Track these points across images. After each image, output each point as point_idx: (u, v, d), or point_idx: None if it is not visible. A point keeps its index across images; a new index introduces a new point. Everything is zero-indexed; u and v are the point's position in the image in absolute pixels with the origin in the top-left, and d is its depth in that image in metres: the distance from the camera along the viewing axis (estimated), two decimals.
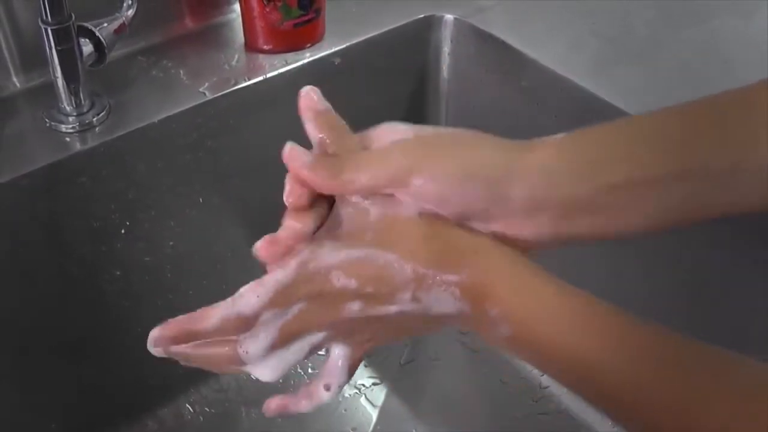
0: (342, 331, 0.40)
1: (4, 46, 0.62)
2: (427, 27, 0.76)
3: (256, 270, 0.76)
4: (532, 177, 0.39)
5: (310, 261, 0.39)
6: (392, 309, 0.39)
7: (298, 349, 0.41)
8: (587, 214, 0.39)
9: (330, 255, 0.38)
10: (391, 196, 0.40)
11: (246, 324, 0.40)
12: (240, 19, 0.71)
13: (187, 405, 0.75)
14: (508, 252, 0.39)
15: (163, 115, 0.62)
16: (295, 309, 0.39)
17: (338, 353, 0.42)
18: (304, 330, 0.40)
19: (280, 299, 0.39)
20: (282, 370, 0.42)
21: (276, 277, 0.39)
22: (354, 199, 0.40)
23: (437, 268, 0.38)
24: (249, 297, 0.39)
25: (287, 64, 0.68)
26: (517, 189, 0.39)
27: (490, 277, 0.38)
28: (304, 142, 0.77)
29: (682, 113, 0.43)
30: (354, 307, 0.39)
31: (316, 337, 0.40)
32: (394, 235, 0.39)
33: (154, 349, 0.42)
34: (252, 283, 0.40)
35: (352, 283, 0.38)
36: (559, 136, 0.42)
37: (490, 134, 0.42)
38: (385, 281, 0.38)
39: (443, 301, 0.38)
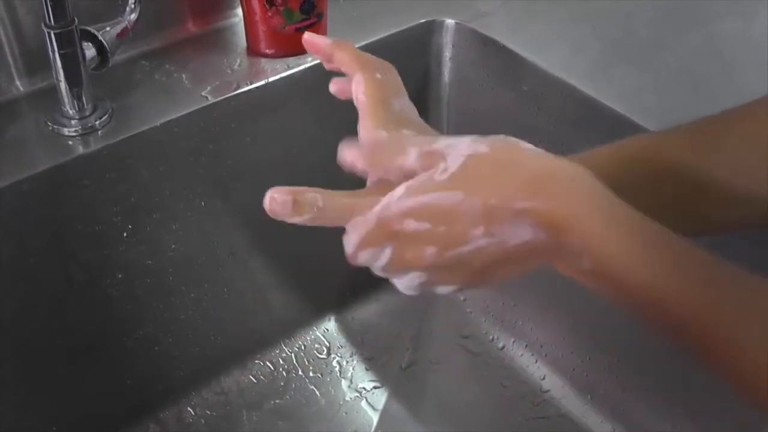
0: (435, 274, 0.41)
1: (7, 49, 0.62)
2: (429, 32, 0.76)
3: (257, 273, 0.77)
4: None
5: (383, 211, 0.40)
6: (466, 248, 0.39)
7: (406, 282, 0.42)
8: None
9: (400, 202, 0.40)
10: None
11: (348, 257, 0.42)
12: (242, 24, 0.71)
13: (189, 408, 0.75)
14: (589, 181, 0.39)
15: (165, 119, 0.63)
16: (387, 252, 0.41)
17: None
18: (400, 270, 0.41)
19: (368, 242, 0.41)
20: (406, 290, 0.43)
21: (357, 229, 0.41)
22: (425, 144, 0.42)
23: (507, 198, 0.38)
24: (345, 244, 0.42)
25: (289, 68, 0.69)
26: None
27: (570, 207, 0.38)
28: (304, 144, 0.77)
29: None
30: (430, 251, 0.40)
31: (419, 277, 0.41)
32: (465, 171, 0.40)
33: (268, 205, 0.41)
34: (345, 235, 0.42)
35: (424, 226, 0.39)
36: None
37: None
38: (455, 220, 0.39)
39: (519, 231, 0.39)
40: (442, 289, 0.43)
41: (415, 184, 0.40)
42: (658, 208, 0.41)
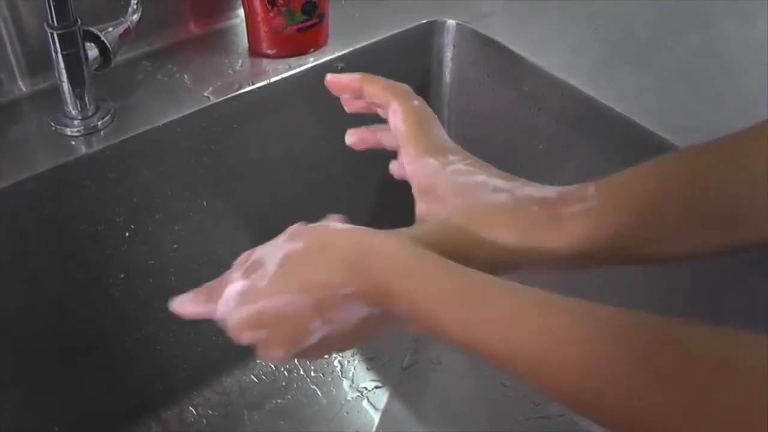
0: (300, 357, 0.44)
1: (10, 50, 0.62)
2: (430, 32, 0.76)
3: None
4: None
5: (228, 324, 0.42)
6: (310, 341, 0.40)
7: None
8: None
9: (235, 316, 0.41)
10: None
11: None
12: (244, 24, 0.71)
13: (190, 408, 0.75)
14: (396, 250, 0.40)
15: (167, 119, 0.63)
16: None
17: None
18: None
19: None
20: None
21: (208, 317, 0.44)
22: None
23: (331, 287, 0.39)
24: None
25: (291, 68, 0.69)
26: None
27: (388, 276, 0.39)
28: (306, 145, 0.78)
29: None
30: (279, 353, 0.41)
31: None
32: (284, 271, 0.41)
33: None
34: None
35: (263, 333, 0.41)
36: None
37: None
38: (290, 320, 0.40)
39: (354, 310, 0.39)
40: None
41: (243, 294, 0.41)
42: (695, 226, 0.41)
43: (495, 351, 0.37)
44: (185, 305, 0.45)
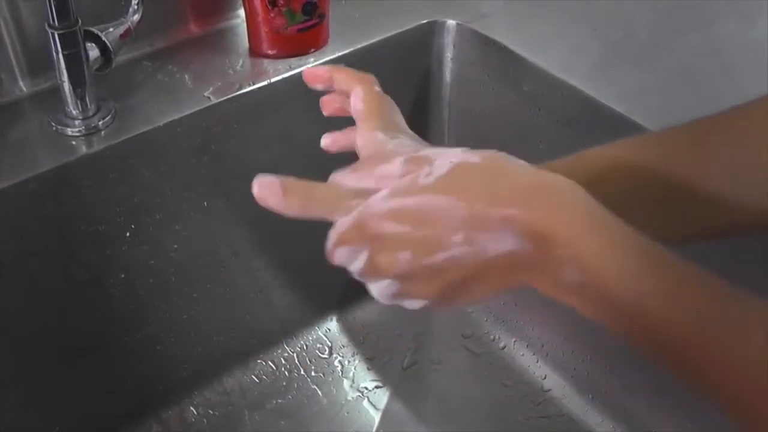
0: (407, 283, 0.40)
1: (10, 50, 0.62)
2: (430, 32, 0.76)
3: (260, 273, 0.77)
4: None
5: (363, 211, 0.39)
6: (442, 256, 0.38)
7: (382, 291, 0.41)
8: None
9: (382, 203, 0.39)
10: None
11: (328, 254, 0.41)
12: (244, 25, 0.71)
13: (191, 408, 0.75)
14: (581, 195, 0.38)
15: (168, 120, 0.63)
16: (363, 256, 0.40)
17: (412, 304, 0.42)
18: (372, 275, 0.40)
19: (345, 241, 0.40)
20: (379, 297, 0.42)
21: (337, 227, 0.40)
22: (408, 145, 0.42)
23: (494, 204, 0.37)
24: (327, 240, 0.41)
25: (291, 69, 0.69)
26: None
27: (560, 217, 0.37)
28: (306, 145, 0.77)
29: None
30: (405, 256, 0.38)
31: (390, 285, 0.40)
32: (452, 176, 0.39)
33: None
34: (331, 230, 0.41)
35: (403, 229, 0.38)
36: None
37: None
38: (435, 224, 0.38)
39: (501, 241, 0.37)
40: (412, 303, 0.41)
41: (400, 185, 0.39)
42: (648, 211, 0.40)
43: (657, 324, 0.36)
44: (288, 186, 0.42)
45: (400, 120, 0.47)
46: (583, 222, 0.37)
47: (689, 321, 0.35)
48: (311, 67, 0.51)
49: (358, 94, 0.47)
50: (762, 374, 0.33)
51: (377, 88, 0.48)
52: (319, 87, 0.50)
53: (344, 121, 0.49)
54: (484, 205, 0.37)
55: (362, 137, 0.45)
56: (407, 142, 0.44)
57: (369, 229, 0.39)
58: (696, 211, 0.45)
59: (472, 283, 0.39)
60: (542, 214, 0.37)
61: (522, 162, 0.40)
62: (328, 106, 0.51)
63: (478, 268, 0.38)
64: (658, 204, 0.45)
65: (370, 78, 0.48)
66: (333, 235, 0.40)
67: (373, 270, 0.40)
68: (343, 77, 0.49)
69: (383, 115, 0.46)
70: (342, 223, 0.40)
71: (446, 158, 0.39)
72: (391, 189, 0.39)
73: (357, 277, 0.41)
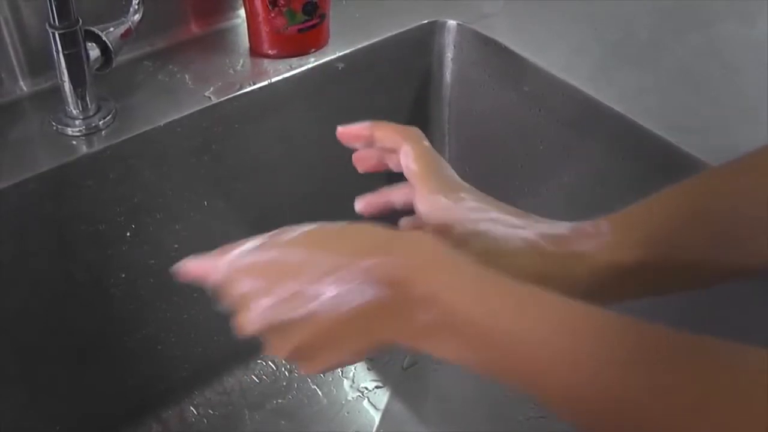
0: (270, 334, 0.41)
1: (11, 50, 0.62)
2: (431, 32, 0.76)
3: None
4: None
5: (231, 263, 0.41)
6: (301, 312, 0.38)
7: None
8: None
9: (239, 261, 0.41)
10: None
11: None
12: (245, 24, 0.71)
13: (191, 407, 0.75)
14: (433, 241, 0.39)
15: (168, 119, 0.63)
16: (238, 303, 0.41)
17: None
18: (245, 329, 0.41)
19: (221, 293, 0.42)
20: None
21: (210, 277, 0.43)
22: None
23: (354, 256, 0.38)
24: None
25: (292, 69, 0.69)
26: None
27: (415, 260, 0.38)
28: (306, 145, 0.78)
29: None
30: (267, 302, 0.39)
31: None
32: (312, 235, 0.40)
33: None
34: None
35: (260, 283, 0.39)
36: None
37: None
38: (297, 275, 0.38)
39: (362, 291, 0.37)
40: (272, 352, 0.42)
41: (263, 243, 0.41)
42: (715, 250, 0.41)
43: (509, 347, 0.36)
44: (190, 264, 0.44)
45: (451, 172, 0.47)
46: (434, 263, 0.38)
47: (537, 335, 0.35)
48: (348, 127, 0.48)
49: (409, 154, 0.46)
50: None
51: (426, 143, 0.47)
52: (357, 146, 0.49)
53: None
54: (343, 258, 0.38)
55: (425, 203, 0.45)
56: (471, 203, 0.44)
57: (233, 287, 0.41)
58: (722, 254, 0.44)
59: (330, 343, 0.39)
60: (398, 259, 0.38)
61: (380, 226, 0.41)
62: (365, 163, 0.49)
63: (339, 322, 0.38)
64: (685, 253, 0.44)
65: (417, 133, 0.47)
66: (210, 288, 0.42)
67: (240, 328, 0.41)
68: (387, 134, 0.47)
69: (439, 175, 0.45)
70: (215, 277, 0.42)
71: (299, 228, 0.41)
72: (258, 245, 0.41)
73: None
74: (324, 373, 0.39)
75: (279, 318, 0.39)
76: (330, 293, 0.37)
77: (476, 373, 0.38)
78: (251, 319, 0.40)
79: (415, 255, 0.38)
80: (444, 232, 0.44)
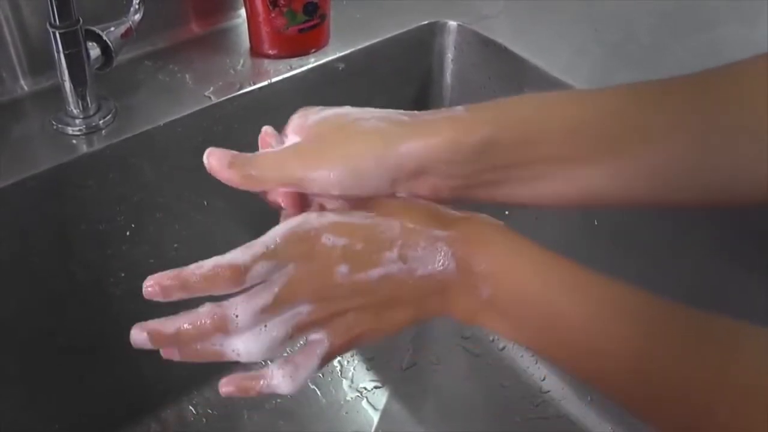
0: (326, 308, 0.40)
1: (12, 49, 0.62)
2: (431, 33, 0.76)
3: None
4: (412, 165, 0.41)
5: (301, 224, 0.41)
6: (376, 272, 0.39)
7: (282, 327, 0.40)
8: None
9: (320, 218, 0.41)
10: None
11: (237, 276, 0.40)
12: (245, 25, 0.71)
13: (190, 407, 0.75)
14: (501, 225, 0.41)
15: (168, 119, 0.63)
16: (286, 271, 0.40)
17: (317, 339, 0.42)
18: (293, 297, 0.40)
19: (271, 255, 0.40)
20: (265, 349, 0.41)
21: (265, 237, 0.41)
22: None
23: (425, 225, 0.40)
24: (241, 251, 0.41)
25: (292, 69, 0.69)
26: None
27: (481, 235, 0.40)
28: None
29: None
30: (342, 270, 0.39)
31: (303, 310, 0.40)
32: (383, 205, 0.41)
33: (148, 289, 0.43)
34: (245, 245, 0.41)
35: (341, 241, 0.40)
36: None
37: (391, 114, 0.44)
38: (372, 237, 0.40)
39: (429, 258, 0.39)
40: (318, 335, 0.41)
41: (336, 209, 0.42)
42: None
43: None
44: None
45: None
46: (503, 241, 0.40)
47: (597, 320, 0.37)
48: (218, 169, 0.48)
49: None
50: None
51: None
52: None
53: None
54: (416, 224, 0.40)
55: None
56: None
57: (305, 242, 0.40)
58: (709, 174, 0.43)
59: (391, 309, 0.41)
60: (469, 233, 0.40)
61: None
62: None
63: (404, 288, 0.40)
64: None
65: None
66: (260, 249, 0.40)
67: (292, 293, 0.40)
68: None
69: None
70: (271, 237, 0.41)
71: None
72: (330, 209, 0.42)
73: (266, 301, 0.40)
74: (373, 343, 0.41)
75: (352, 280, 0.40)
76: (402, 259, 0.39)
77: (528, 350, 0.40)
78: (327, 279, 0.40)
79: (483, 232, 0.40)
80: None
